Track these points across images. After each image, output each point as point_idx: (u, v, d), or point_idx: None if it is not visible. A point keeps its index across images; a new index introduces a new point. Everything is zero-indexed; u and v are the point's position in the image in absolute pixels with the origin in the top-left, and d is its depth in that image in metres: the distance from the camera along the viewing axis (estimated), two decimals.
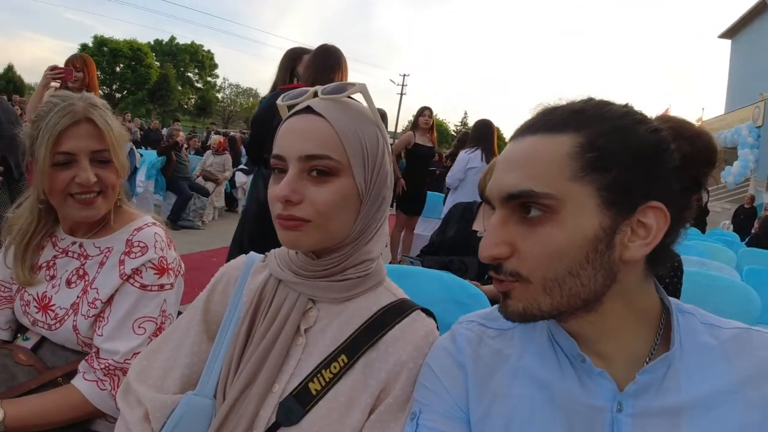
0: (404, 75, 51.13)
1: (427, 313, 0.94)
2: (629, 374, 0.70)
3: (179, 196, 7.66)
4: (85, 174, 1.15)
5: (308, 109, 0.84)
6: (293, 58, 3.14)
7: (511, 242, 0.67)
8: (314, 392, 0.82)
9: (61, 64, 3.23)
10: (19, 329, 1.34)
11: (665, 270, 1.76)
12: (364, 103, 0.89)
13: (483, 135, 4.52)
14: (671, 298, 0.76)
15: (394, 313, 0.89)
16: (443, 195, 6.71)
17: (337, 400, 0.82)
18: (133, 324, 1.18)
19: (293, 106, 0.89)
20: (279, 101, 0.91)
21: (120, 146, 1.22)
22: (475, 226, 2.45)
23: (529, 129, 0.70)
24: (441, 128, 54.56)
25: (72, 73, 3.14)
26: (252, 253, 1.04)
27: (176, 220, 7.53)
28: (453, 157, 6.96)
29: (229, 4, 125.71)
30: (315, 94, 0.88)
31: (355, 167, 0.83)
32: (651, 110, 0.71)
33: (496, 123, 4.79)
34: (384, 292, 0.93)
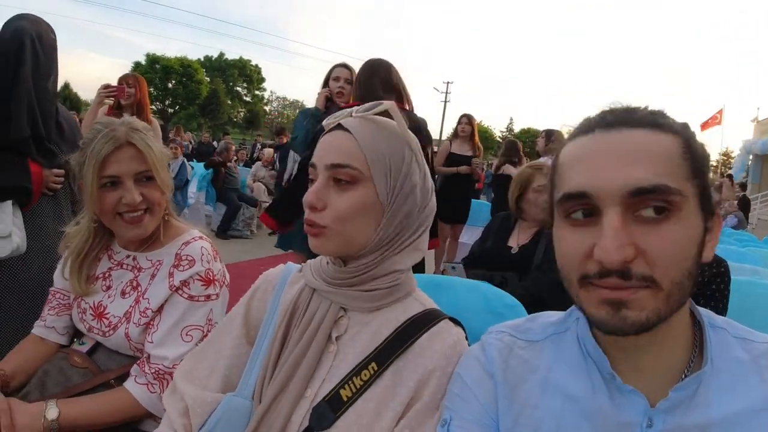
0: (447, 83, 50.98)
1: (455, 322, 0.95)
2: (662, 388, 0.69)
3: (229, 207, 7.88)
4: (130, 194, 1.25)
5: (339, 126, 0.92)
6: (327, 73, 3.26)
7: (634, 243, 0.62)
8: (345, 398, 0.85)
9: (115, 82, 3.40)
10: (75, 334, 1.43)
11: (710, 274, 1.71)
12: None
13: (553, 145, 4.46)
14: (703, 311, 0.75)
15: (422, 322, 0.91)
16: (489, 203, 6.64)
17: (366, 407, 0.85)
18: (181, 332, 1.25)
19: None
20: (324, 122, 0.99)
21: (162, 165, 1.31)
22: (511, 242, 2.42)
23: (624, 123, 0.67)
24: (486, 134, 53.96)
25: (124, 91, 3.29)
26: (289, 263, 1.10)
27: (226, 229, 7.75)
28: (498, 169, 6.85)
29: (276, 20, 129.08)
30: (351, 114, 0.95)
31: (376, 178, 0.89)
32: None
33: (542, 127, 4.70)
34: (413, 302, 0.96)
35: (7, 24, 1.75)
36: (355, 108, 0.95)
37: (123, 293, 1.33)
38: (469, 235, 5.47)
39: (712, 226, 0.68)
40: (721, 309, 1.71)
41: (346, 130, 0.91)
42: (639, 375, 0.71)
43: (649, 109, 0.70)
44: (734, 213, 9.46)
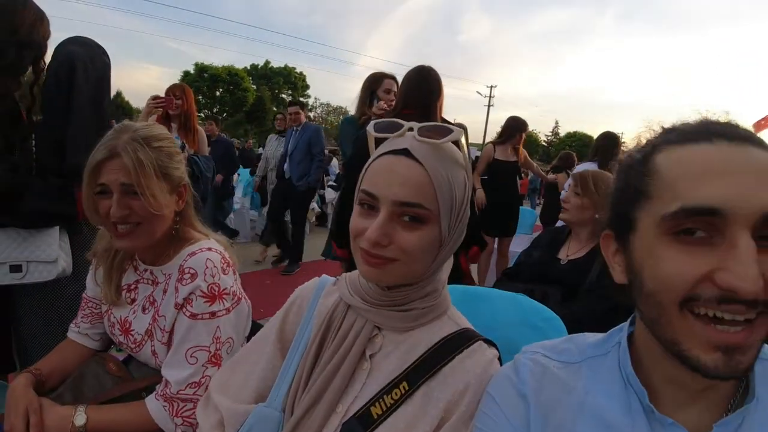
0: (491, 86, 50.50)
1: (489, 343, 0.93)
2: (705, 422, 0.66)
3: None
4: (114, 207, 1.19)
5: (406, 152, 0.83)
6: (372, 81, 3.19)
7: (764, 272, 0.57)
8: (375, 416, 0.84)
9: (164, 91, 3.51)
10: (110, 340, 1.45)
11: None
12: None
13: (604, 147, 4.17)
14: None
15: (456, 343, 0.90)
16: (532, 210, 6.45)
17: (396, 426, 0.84)
18: (186, 353, 1.21)
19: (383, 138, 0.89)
20: (371, 130, 0.90)
21: (151, 182, 1.21)
22: (561, 254, 2.32)
23: (746, 138, 0.61)
24: (530, 139, 53.07)
25: (173, 102, 3.40)
26: (324, 275, 1.09)
27: None
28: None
29: (320, 28, 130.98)
30: (410, 129, 0.87)
31: (443, 216, 0.84)
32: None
33: (591, 132, 4.37)
34: (447, 321, 0.95)
35: (59, 48, 1.77)
36: (417, 125, 0.86)
37: (143, 309, 1.32)
38: (516, 243, 5.05)
39: None
40: None
41: (416, 159, 0.82)
42: (682, 407, 0.68)
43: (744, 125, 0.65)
44: None
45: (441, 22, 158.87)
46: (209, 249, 1.28)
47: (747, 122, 0.65)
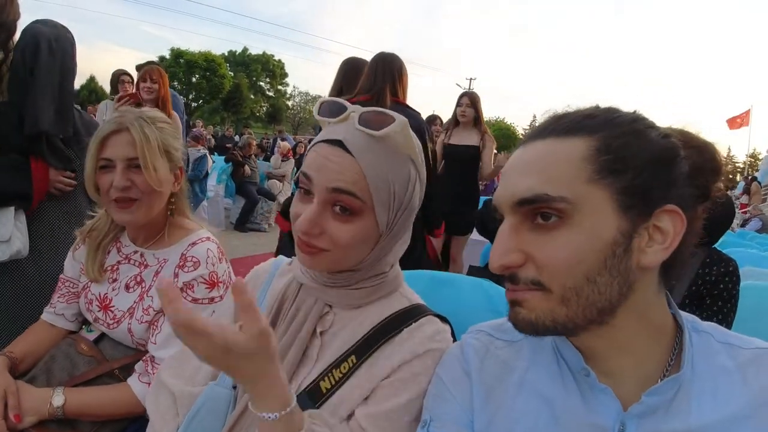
0: (470, 79, 50.43)
1: (442, 319, 0.94)
2: (637, 393, 0.67)
3: (247, 200, 7.96)
4: (117, 178, 1.25)
5: (340, 143, 0.82)
6: (358, 69, 3.10)
7: (523, 250, 0.65)
8: (324, 390, 0.86)
9: (134, 72, 3.41)
10: (84, 321, 1.47)
11: (718, 273, 1.70)
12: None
13: None
14: (688, 315, 0.73)
15: (405, 317, 0.91)
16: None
17: (345, 398, 0.86)
18: None
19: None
20: (316, 114, 0.89)
21: (155, 157, 1.28)
22: None
23: (539, 134, 0.69)
24: (508, 132, 53.29)
25: (137, 96, 3.31)
26: (280, 256, 1.11)
27: (244, 222, 7.84)
28: None
29: (299, 15, 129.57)
30: (352, 114, 0.85)
31: (378, 210, 0.83)
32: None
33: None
34: (399, 297, 0.96)
35: (25, 29, 1.75)
36: (359, 111, 0.84)
37: (127, 287, 1.35)
38: (471, 252, 4.07)
39: (664, 227, 0.64)
40: (728, 309, 1.70)
41: (349, 151, 0.81)
42: (614, 380, 0.69)
43: (593, 108, 0.69)
44: (759, 216, 9.22)
45: (423, 11, 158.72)
46: (208, 239, 1.37)
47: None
